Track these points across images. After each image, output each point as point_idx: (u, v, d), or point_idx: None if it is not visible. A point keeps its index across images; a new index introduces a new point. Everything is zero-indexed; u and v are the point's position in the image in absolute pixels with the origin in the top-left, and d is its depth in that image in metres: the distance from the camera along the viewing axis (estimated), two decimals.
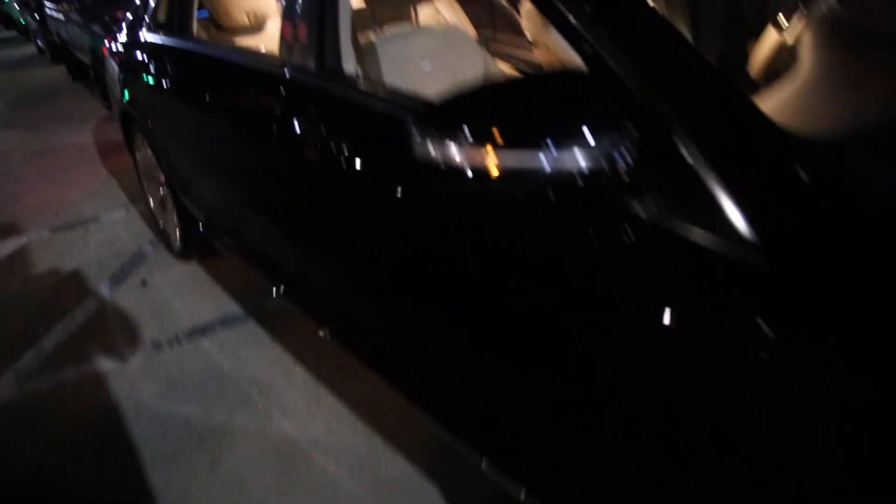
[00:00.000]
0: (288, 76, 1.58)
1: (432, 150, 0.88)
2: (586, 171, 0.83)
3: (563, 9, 0.95)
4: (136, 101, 2.66)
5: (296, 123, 1.51)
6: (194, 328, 2.42)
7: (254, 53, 2.19)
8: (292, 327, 2.33)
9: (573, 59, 0.96)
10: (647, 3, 0.98)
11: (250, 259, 2.20)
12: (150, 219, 3.24)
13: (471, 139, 0.85)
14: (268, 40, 2.61)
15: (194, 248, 2.82)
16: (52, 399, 2.11)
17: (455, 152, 0.86)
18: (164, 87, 2.33)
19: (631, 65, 0.87)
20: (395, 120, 1.19)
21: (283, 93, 1.59)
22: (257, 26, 2.64)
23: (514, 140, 0.84)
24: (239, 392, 2.06)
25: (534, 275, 0.98)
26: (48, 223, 3.47)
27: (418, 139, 0.90)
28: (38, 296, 2.75)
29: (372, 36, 1.93)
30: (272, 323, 2.39)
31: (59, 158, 4.62)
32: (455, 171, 0.87)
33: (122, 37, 2.83)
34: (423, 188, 1.16)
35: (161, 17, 2.47)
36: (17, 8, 11.44)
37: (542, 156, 0.82)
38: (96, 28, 5.42)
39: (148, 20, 2.56)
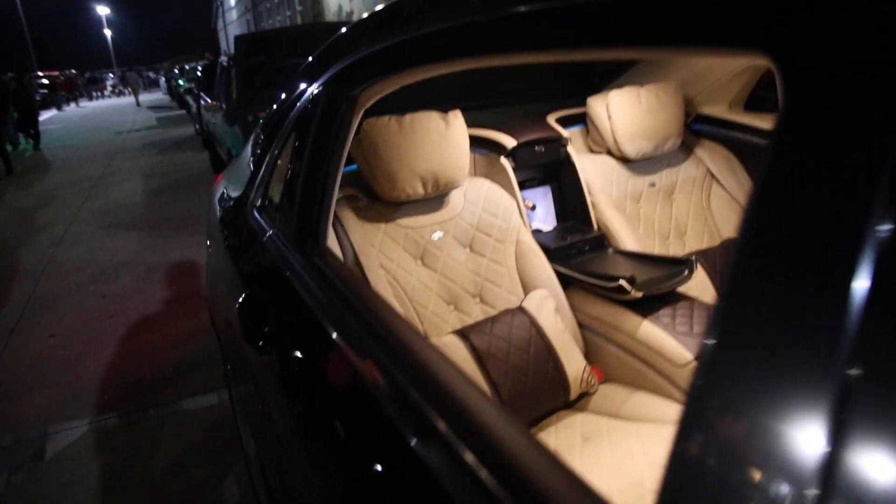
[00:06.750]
0: None
1: None
2: None
3: None
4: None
5: None
6: None
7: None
8: None
9: None
10: None
11: None
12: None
13: None
14: (448, 221, 1.55)
15: None
16: None
17: None
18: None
19: None
20: None
21: None
22: (436, 198, 1.59)
23: None
24: None
25: None
26: (118, 401, 2.58)
27: None
28: None
29: None
30: None
31: (170, 285, 3.88)
32: None
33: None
34: None
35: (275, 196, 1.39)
36: (188, 93, 12.11)
37: None
38: (237, 129, 4.84)
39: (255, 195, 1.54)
